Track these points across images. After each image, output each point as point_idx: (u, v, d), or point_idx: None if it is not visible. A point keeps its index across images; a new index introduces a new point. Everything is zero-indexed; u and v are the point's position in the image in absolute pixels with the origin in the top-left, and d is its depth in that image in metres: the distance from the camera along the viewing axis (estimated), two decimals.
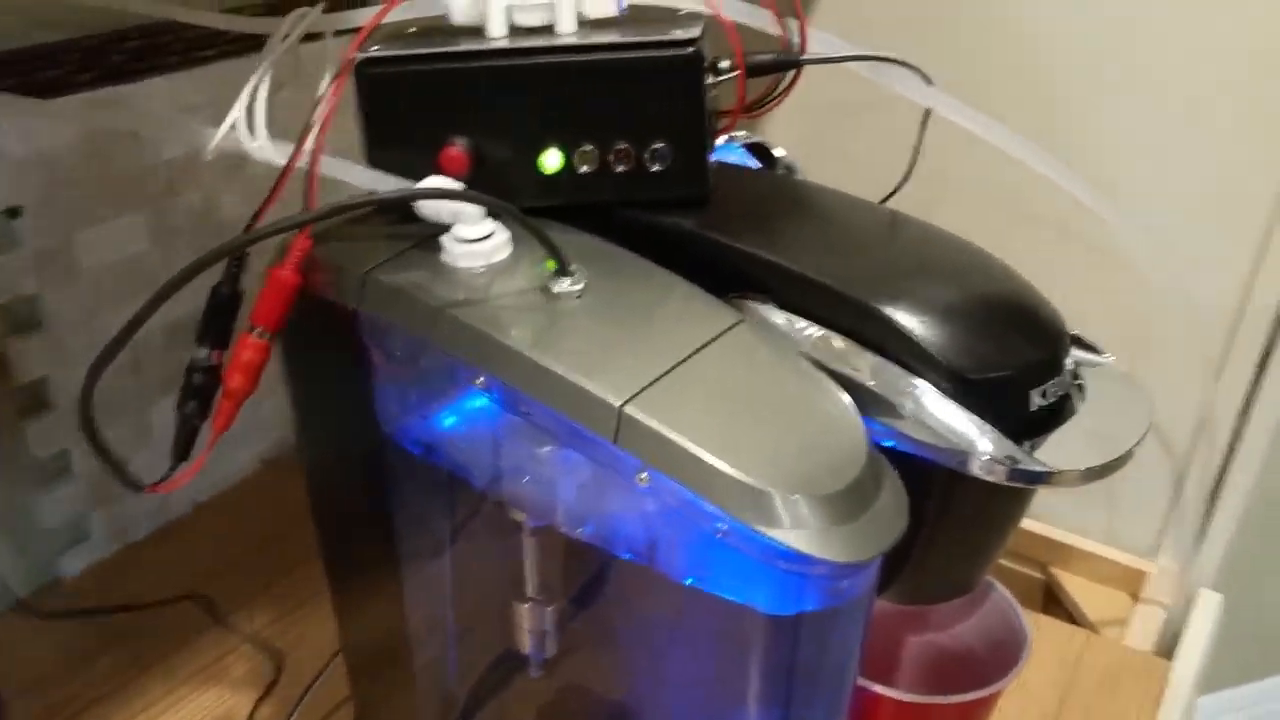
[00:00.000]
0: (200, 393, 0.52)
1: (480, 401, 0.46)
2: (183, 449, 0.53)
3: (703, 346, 0.44)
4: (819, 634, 0.44)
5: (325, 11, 0.56)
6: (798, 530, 0.40)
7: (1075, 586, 0.93)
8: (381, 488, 0.53)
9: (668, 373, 0.43)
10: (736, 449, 0.41)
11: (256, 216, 0.53)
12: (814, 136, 0.61)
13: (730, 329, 0.46)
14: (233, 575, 0.84)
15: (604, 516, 0.45)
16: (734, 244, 0.50)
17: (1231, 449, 0.86)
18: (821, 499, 0.40)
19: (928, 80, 0.57)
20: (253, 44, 0.80)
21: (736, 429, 0.42)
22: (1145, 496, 0.92)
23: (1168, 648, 0.84)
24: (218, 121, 0.53)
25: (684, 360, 0.43)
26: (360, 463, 0.54)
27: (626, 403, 0.41)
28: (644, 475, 0.41)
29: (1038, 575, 0.96)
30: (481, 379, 0.44)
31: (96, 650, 0.76)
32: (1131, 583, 0.92)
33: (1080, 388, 0.49)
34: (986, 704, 0.58)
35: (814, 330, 0.48)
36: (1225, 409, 0.85)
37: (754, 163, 0.64)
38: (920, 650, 0.67)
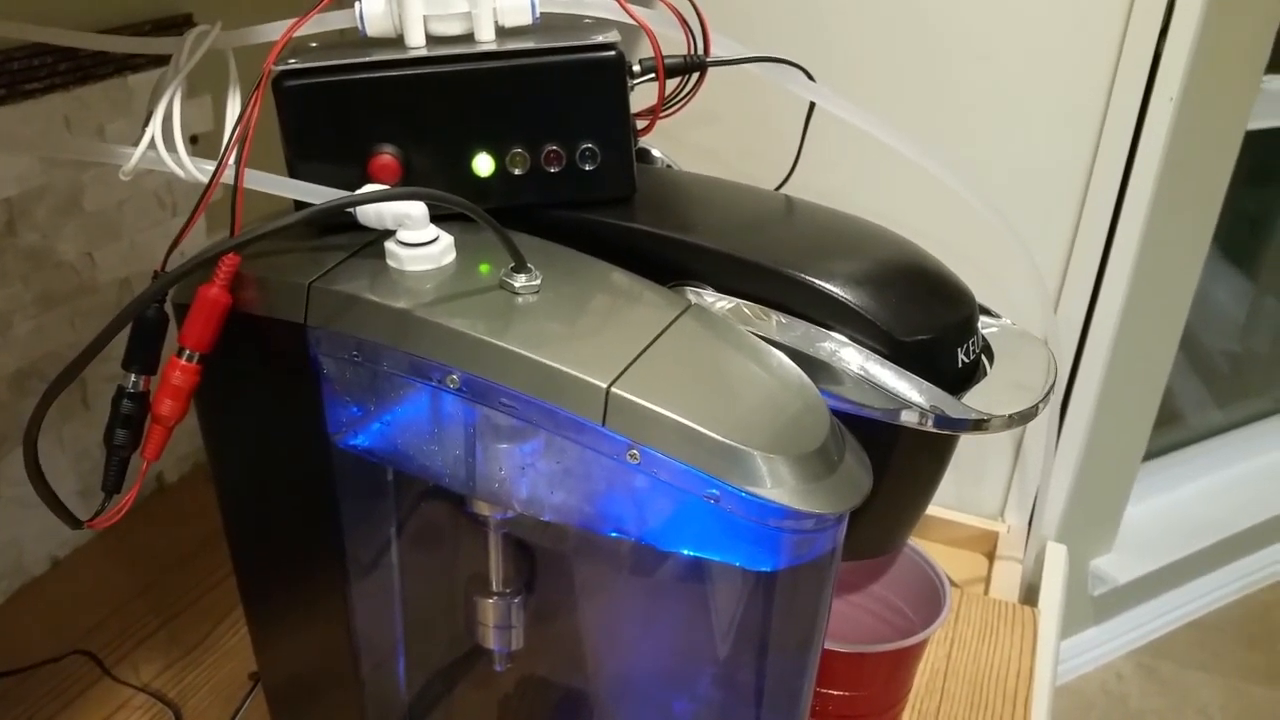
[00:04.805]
0: (129, 421, 0.51)
1: (448, 401, 0.47)
2: (115, 481, 0.51)
3: (664, 330, 0.46)
4: (795, 587, 0.47)
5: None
6: (780, 488, 0.42)
7: (935, 552, 1.00)
8: (330, 500, 0.52)
9: (640, 355, 0.45)
10: (717, 419, 0.43)
11: (181, 234, 0.51)
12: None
13: (684, 312, 0.48)
14: (108, 629, 0.79)
15: (589, 498, 0.46)
16: (671, 235, 0.52)
17: (1064, 413, 0.95)
18: (799, 458, 0.43)
19: (810, 77, 0.61)
20: (74, 78, 0.77)
21: (712, 402, 0.44)
22: (988, 464, 1.00)
23: (1029, 599, 0.92)
24: None
25: (651, 344, 0.45)
26: (305, 476, 0.53)
27: (613, 384, 0.42)
28: (634, 452, 0.43)
29: None
30: (454, 376, 0.45)
31: None
32: (985, 543, 0.99)
33: (988, 348, 0.54)
34: (915, 652, 0.62)
35: (753, 309, 0.51)
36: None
37: None
38: (849, 607, 0.71)
